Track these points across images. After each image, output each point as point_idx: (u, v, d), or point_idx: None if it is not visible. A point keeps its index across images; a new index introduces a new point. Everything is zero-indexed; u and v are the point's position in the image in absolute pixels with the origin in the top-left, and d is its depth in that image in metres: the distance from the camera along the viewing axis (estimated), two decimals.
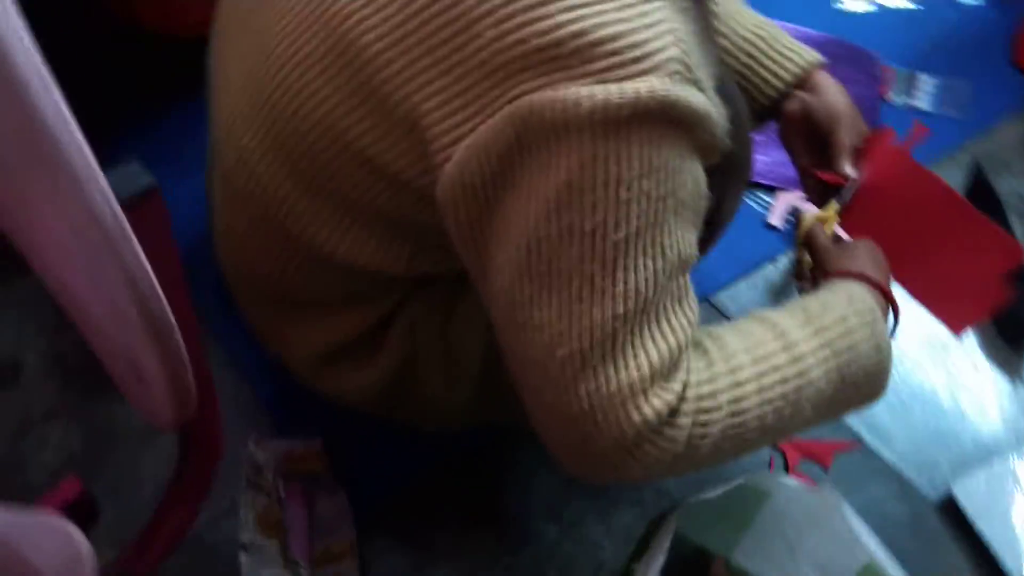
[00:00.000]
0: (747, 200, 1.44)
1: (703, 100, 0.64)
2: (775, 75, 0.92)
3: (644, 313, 0.65)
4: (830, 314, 0.73)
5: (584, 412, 0.65)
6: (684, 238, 0.66)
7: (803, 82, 0.92)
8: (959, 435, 1.27)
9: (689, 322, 0.68)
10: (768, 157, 1.44)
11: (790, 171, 1.45)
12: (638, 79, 0.60)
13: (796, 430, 0.73)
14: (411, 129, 0.67)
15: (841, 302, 0.75)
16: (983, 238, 0.86)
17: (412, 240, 0.79)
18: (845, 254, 0.80)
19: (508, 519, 1.14)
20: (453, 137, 0.65)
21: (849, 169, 0.87)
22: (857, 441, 1.23)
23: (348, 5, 0.68)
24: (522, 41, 0.61)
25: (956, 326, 0.90)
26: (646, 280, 0.64)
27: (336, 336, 0.90)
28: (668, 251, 0.65)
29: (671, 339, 0.66)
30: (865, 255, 0.80)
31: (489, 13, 0.62)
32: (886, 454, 1.23)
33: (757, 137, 0.95)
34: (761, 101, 0.94)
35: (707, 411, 0.67)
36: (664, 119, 0.61)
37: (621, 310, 0.63)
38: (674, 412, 0.66)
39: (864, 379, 0.74)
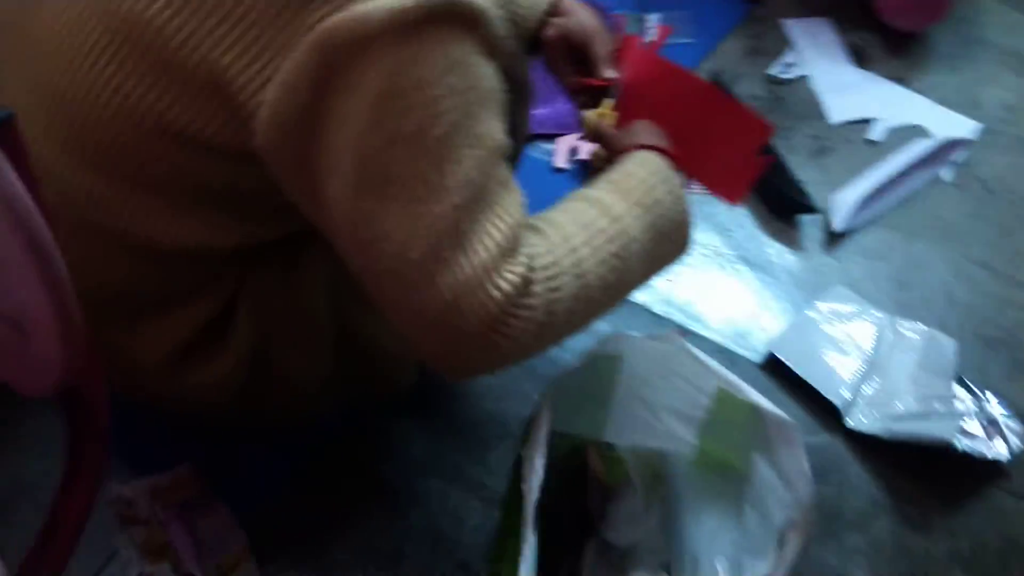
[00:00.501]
0: (532, 153, 1.57)
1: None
2: (531, 8, 1.02)
3: (479, 200, 0.71)
4: (631, 179, 0.84)
5: (448, 304, 0.70)
6: (495, 127, 0.73)
7: (555, 10, 1.03)
8: (762, 302, 1.43)
9: (518, 203, 0.75)
10: (544, 110, 1.57)
11: (564, 118, 1.59)
12: None
13: (633, 286, 0.83)
14: (216, 88, 0.71)
15: (637, 168, 0.85)
16: (735, 119, 0.99)
17: (239, 211, 0.82)
18: (629, 134, 0.91)
19: (393, 488, 1.19)
20: (259, 82, 0.69)
21: (610, 72, 0.99)
22: (682, 330, 1.37)
23: None
24: None
25: (730, 197, 1.04)
26: (473, 168, 0.70)
27: (182, 332, 0.90)
28: (486, 139, 0.71)
29: (507, 219, 0.72)
30: (645, 130, 0.91)
31: None
32: (706, 334, 1.38)
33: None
34: (523, 36, 1.05)
35: (554, 278, 0.74)
36: (451, 18, 0.68)
37: (459, 200, 0.69)
38: (527, 283, 0.72)
39: (674, 228, 0.84)
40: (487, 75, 0.73)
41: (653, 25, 1.77)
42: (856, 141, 1.67)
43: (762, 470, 0.90)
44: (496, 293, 0.71)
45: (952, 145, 1.65)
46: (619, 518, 1.02)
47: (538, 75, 1.06)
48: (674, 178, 0.86)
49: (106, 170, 0.78)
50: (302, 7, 0.67)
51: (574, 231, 0.78)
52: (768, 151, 1.52)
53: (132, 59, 0.73)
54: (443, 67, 0.68)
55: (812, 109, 1.71)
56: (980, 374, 1.36)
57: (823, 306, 1.41)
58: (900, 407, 1.29)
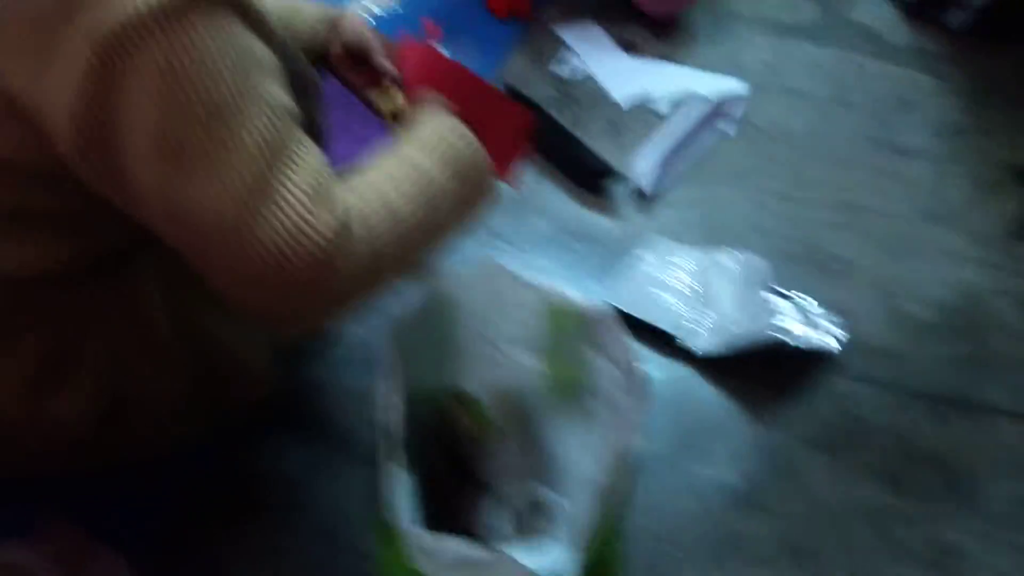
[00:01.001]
0: None
1: None
2: (313, 30, 1.11)
3: (280, 154, 0.76)
4: (420, 130, 0.93)
5: (273, 253, 0.74)
6: (279, 92, 0.79)
7: (333, 29, 1.12)
8: (592, 262, 1.54)
9: (319, 157, 0.80)
10: (350, 147, 1.64)
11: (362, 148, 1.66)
12: None
13: (449, 224, 0.89)
14: (11, 108, 0.74)
15: (430, 122, 0.94)
16: (499, 105, 1.11)
17: (56, 228, 0.84)
18: (420, 106, 1.00)
19: (279, 500, 1.21)
20: (51, 90, 0.72)
21: (387, 63, 1.08)
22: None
23: None
24: None
25: (501, 174, 1.15)
26: (266, 127, 0.75)
27: (28, 364, 0.91)
28: (271, 100, 0.77)
29: (310, 169, 0.78)
30: (432, 100, 1.00)
31: None
32: None
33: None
34: (311, 57, 1.13)
35: (368, 216, 0.80)
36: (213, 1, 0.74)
37: (259, 155, 0.74)
38: (344, 225, 0.78)
39: (472, 168, 0.92)
40: (260, 48, 0.79)
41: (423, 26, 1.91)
42: (646, 117, 1.82)
43: (602, 368, 0.97)
44: (315, 235, 0.75)
45: (728, 104, 1.82)
46: (497, 466, 1.07)
47: (339, 116, 1.14)
48: (459, 125, 0.94)
49: None
50: (72, 12, 0.71)
51: (377, 178, 0.85)
52: (558, 132, 1.69)
53: None
54: (217, 41, 0.74)
55: (601, 98, 1.86)
56: (795, 283, 1.50)
57: (646, 255, 1.52)
58: (733, 326, 1.41)
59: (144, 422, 1.00)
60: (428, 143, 0.91)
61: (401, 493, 0.84)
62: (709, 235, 1.60)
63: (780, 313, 1.41)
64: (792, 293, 1.47)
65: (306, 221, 0.75)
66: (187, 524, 1.16)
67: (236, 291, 0.79)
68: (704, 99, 1.82)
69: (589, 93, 1.86)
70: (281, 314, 0.80)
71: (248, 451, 1.24)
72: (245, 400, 1.12)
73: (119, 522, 1.11)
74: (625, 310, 1.42)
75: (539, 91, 1.86)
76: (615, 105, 1.84)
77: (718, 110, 1.81)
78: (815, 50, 2.00)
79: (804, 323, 1.41)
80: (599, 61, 1.93)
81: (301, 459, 1.24)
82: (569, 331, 0.98)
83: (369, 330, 1.30)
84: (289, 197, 0.75)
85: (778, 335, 1.37)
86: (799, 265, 1.56)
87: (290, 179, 0.76)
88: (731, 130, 1.81)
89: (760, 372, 1.40)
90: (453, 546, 0.82)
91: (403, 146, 0.91)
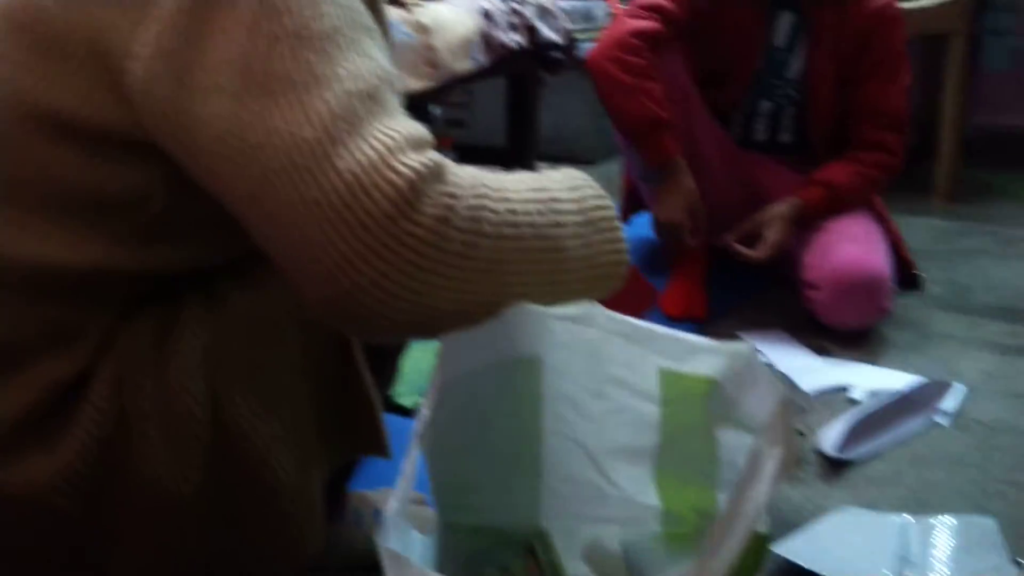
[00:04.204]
0: None
1: None
2: None
3: (374, 99, 0.67)
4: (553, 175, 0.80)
5: (350, 186, 0.64)
6: (382, 56, 0.72)
7: None
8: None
9: (420, 125, 0.70)
10: None
11: None
12: None
13: (570, 261, 0.74)
14: (92, 54, 0.71)
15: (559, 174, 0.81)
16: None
17: (104, 224, 0.76)
18: None
19: None
20: (134, 22, 0.69)
21: None
22: None
23: None
24: None
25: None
26: (363, 68, 0.68)
27: (24, 396, 0.76)
28: (373, 54, 0.70)
29: (410, 123, 0.68)
30: None
31: None
32: None
33: None
34: None
35: (475, 187, 0.68)
36: None
37: (352, 87, 0.67)
38: (440, 172, 0.66)
39: (604, 219, 0.77)
40: (369, 16, 0.74)
41: None
42: (835, 402, 1.58)
43: (729, 442, 0.69)
44: (404, 169, 0.65)
45: (938, 388, 1.56)
46: None
47: None
48: (603, 192, 0.81)
49: None
50: None
51: (498, 175, 0.73)
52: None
53: (13, 45, 0.74)
54: None
55: (782, 383, 1.65)
56: None
57: (835, 517, 1.20)
58: None
59: (134, 519, 0.78)
60: (555, 177, 0.79)
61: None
62: (915, 510, 1.26)
63: None
64: None
65: (393, 155, 0.65)
66: None
67: (304, 247, 0.66)
68: (908, 388, 1.57)
69: None
70: (353, 283, 0.65)
71: None
72: (279, 559, 0.88)
73: None
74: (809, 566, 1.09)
75: None
76: (801, 392, 1.62)
77: (926, 401, 1.54)
78: None
79: None
80: (784, 358, 1.75)
81: None
82: (691, 416, 0.73)
83: None
84: (379, 132, 0.66)
85: None
86: None
87: (382, 120, 0.67)
88: (944, 420, 1.52)
89: None
90: None
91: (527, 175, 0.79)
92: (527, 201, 0.72)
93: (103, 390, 0.78)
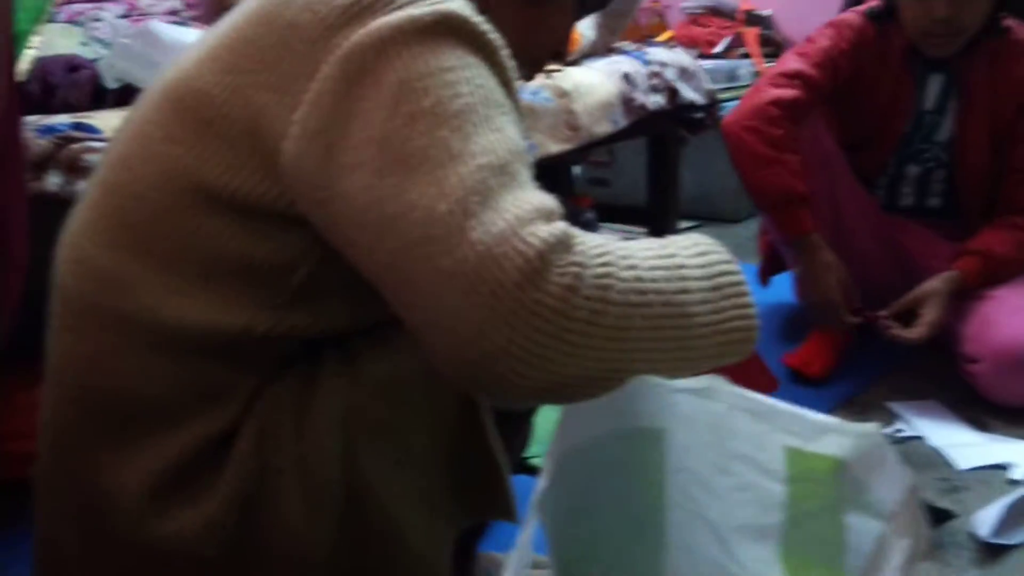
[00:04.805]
0: None
1: (498, 36, 0.77)
2: None
3: (506, 173, 0.70)
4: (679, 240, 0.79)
5: (481, 256, 0.66)
6: (515, 132, 0.74)
7: None
8: None
9: (552, 199, 0.72)
10: None
11: None
12: (437, 4, 0.75)
13: (698, 325, 0.73)
14: (250, 132, 0.76)
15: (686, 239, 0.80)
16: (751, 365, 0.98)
17: (253, 287, 0.80)
18: None
19: None
20: (288, 107, 0.74)
21: None
22: None
23: (180, 73, 0.82)
24: (330, 7, 0.75)
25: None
26: (496, 147, 0.71)
27: (175, 451, 0.80)
28: (506, 131, 0.73)
29: (539, 196, 0.71)
30: None
31: (288, 4, 0.77)
32: None
33: None
34: None
35: (601, 255, 0.69)
36: (465, 35, 0.75)
37: (484, 161, 0.70)
38: (567, 244, 0.68)
39: (731, 285, 0.76)
40: (503, 93, 0.77)
41: None
42: (993, 482, 1.48)
43: (856, 526, 0.66)
44: (532, 238, 0.67)
45: None
46: None
47: None
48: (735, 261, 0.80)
49: (125, 244, 0.81)
50: (330, 36, 0.75)
51: (623, 244, 0.74)
52: None
53: (175, 123, 0.80)
54: (458, 62, 0.74)
55: (936, 459, 1.56)
56: None
57: None
58: None
59: (271, 562, 0.82)
60: (681, 243, 0.78)
61: None
62: None
63: None
64: None
65: (521, 226, 0.68)
66: None
67: (439, 315, 0.69)
68: None
69: (922, 455, 1.58)
70: (484, 350, 0.67)
71: None
72: None
73: None
74: None
75: None
76: (953, 467, 1.53)
77: None
78: None
79: None
80: (938, 431, 1.66)
81: None
82: (818, 492, 0.70)
83: None
84: (510, 204, 0.69)
85: None
86: None
87: (514, 193, 0.70)
88: None
89: None
90: None
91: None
92: (653, 268, 0.73)
93: (247, 447, 0.82)
